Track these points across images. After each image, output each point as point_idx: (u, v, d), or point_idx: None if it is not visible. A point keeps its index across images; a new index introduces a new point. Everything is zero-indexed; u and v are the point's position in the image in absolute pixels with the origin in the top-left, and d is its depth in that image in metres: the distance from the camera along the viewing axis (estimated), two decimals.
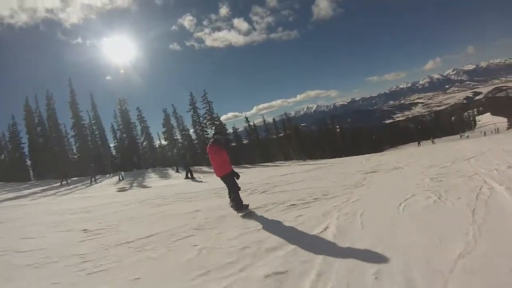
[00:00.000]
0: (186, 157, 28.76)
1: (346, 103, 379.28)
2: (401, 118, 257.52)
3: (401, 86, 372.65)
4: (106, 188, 20.50)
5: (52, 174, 29.49)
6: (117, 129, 46.14)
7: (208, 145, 6.31)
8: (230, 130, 56.60)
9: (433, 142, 49.43)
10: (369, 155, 27.30)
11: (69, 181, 25.47)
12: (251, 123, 57.89)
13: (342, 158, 36.05)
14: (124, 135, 46.13)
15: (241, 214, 5.94)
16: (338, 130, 73.53)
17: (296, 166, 24.58)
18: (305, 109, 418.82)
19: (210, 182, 14.92)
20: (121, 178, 25.79)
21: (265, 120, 64.62)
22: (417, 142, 54.22)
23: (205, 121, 48.72)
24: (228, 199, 6.63)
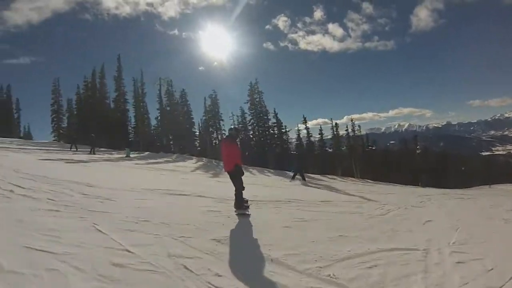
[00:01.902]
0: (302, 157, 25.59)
1: (440, 126, 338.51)
2: (501, 152, 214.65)
3: (506, 115, 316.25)
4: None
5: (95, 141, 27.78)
6: (159, 109, 42.09)
7: (223, 139, 7.13)
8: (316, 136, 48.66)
9: None
10: (440, 192, 17.31)
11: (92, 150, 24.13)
12: (309, 133, 48.78)
13: (406, 187, 26.37)
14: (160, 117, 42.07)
15: (237, 212, 5.85)
16: (418, 152, 59.78)
17: (322, 190, 16.45)
18: (396, 126, 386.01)
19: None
20: (128, 155, 24.28)
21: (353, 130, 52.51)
22: None
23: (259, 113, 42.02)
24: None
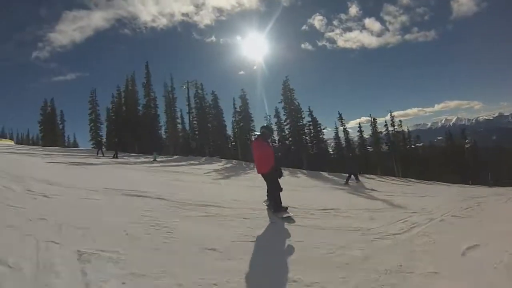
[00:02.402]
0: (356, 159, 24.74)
1: (491, 118, 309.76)
2: None
3: None
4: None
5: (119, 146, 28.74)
6: (188, 113, 41.52)
7: (254, 139, 6.05)
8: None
9: None
10: (493, 191, 14.04)
11: (103, 153, 25.23)
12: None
13: (452, 187, 22.99)
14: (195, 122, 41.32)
15: (280, 216, 5.19)
16: (467, 146, 53.68)
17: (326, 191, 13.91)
18: (443, 121, 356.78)
19: None
20: (155, 159, 24.33)
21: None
22: None
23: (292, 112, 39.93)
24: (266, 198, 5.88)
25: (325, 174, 29.89)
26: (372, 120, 43.05)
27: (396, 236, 4.24)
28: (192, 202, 6.04)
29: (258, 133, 5.83)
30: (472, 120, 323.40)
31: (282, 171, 5.71)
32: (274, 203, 5.44)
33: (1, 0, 78.01)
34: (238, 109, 40.99)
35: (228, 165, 26.84)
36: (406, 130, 46.66)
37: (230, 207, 5.91)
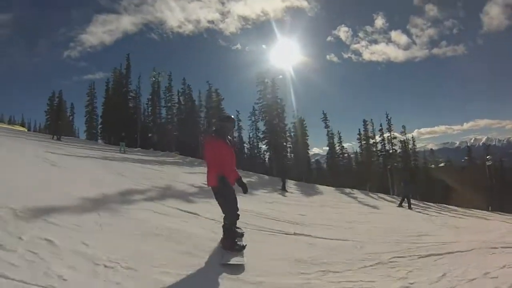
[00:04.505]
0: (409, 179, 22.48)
1: None
2: None
3: None
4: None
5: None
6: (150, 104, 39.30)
7: (207, 136, 3.91)
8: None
9: None
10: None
11: (58, 137, 23.38)
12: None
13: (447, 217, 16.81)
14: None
15: (225, 260, 3.07)
16: (488, 164, 45.22)
17: None
18: (472, 141, 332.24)
19: None
20: (122, 150, 23.14)
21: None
22: None
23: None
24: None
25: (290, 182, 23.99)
26: (364, 125, 36.64)
27: None
28: None
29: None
30: (503, 140, 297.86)
31: (245, 184, 3.58)
32: (225, 235, 3.44)
33: (37, 4, 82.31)
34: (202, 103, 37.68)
35: (171, 160, 23.18)
36: (410, 137, 39.53)
37: None
